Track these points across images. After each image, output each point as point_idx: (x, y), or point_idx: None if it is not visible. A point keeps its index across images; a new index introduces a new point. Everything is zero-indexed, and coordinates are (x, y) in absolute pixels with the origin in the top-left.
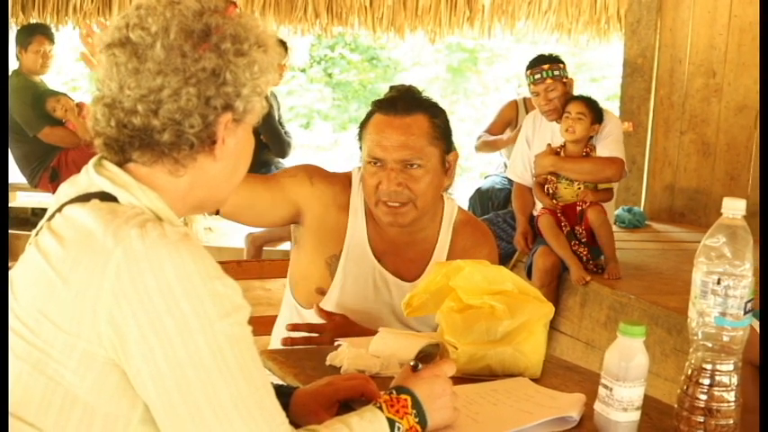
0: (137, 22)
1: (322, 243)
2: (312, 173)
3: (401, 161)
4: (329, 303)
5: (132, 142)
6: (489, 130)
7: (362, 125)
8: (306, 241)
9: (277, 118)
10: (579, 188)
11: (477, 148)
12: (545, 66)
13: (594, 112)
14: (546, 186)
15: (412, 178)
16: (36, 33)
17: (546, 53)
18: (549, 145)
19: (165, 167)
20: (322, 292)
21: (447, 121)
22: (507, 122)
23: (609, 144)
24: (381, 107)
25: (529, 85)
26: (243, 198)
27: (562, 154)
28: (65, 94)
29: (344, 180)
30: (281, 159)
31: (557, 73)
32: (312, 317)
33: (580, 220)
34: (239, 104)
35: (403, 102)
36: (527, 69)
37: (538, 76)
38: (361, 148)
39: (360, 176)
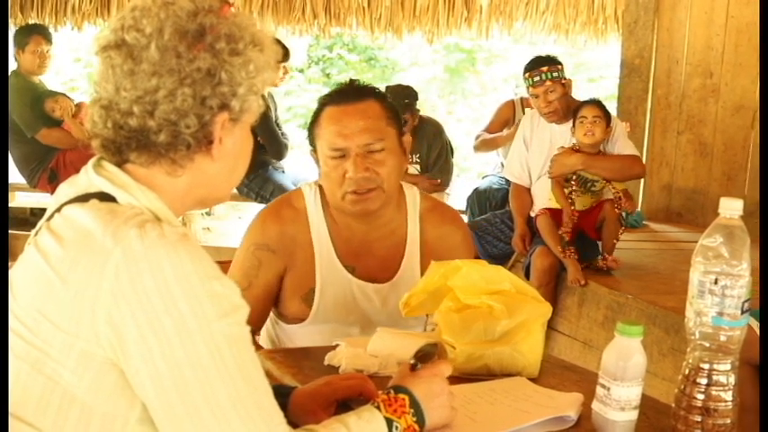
0: (132, 23)
1: (297, 285)
2: (264, 241)
3: (364, 145)
4: (310, 327)
5: (129, 143)
6: (487, 131)
7: (312, 124)
8: (281, 287)
9: (274, 119)
10: (618, 194)
11: (476, 148)
12: (543, 68)
13: (606, 114)
14: (568, 191)
15: (377, 162)
16: (33, 34)
17: (543, 55)
18: (563, 147)
19: (163, 168)
20: (300, 320)
21: (394, 106)
22: (505, 122)
23: (625, 144)
24: (331, 100)
25: (528, 87)
26: (262, 314)
27: None
28: (63, 95)
29: (295, 207)
30: (277, 161)
31: (555, 74)
32: (294, 331)
33: (600, 222)
34: (235, 104)
35: (352, 91)
36: (525, 72)
37: (537, 78)
38: (314, 149)
39: (312, 189)
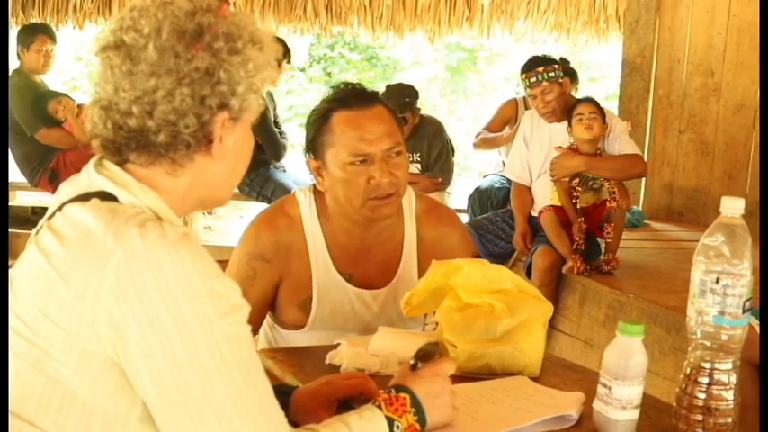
0: (130, 24)
1: (293, 293)
2: (259, 250)
3: (388, 150)
4: (308, 334)
5: (129, 144)
6: (488, 128)
7: (318, 131)
8: (277, 294)
9: (273, 119)
10: (612, 189)
11: (476, 146)
12: (540, 69)
13: (602, 111)
14: (573, 193)
15: (397, 166)
16: (38, 33)
17: (540, 54)
18: (561, 147)
19: (163, 168)
20: (297, 327)
21: (393, 109)
22: (506, 121)
23: (626, 143)
24: (340, 105)
25: (525, 88)
26: (257, 323)
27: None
28: (65, 95)
29: (290, 215)
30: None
31: (552, 75)
32: (292, 337)
33: (607, 219)
34: (235, 103)
35: (362, 95)
36: (522, 72)
37: (533, 79)
38: (315, 157)
39: (307, 195)
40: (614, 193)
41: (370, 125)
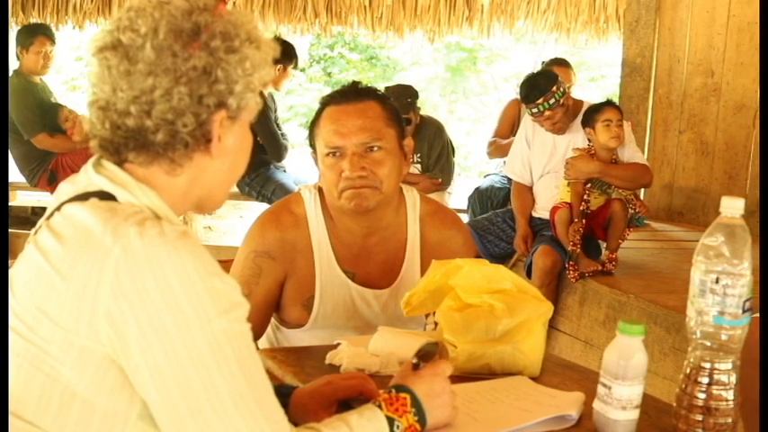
0: (127, 24)
1: (298, 291)
2: (264, 248)
3: (361, 144)
4: (309, 332)
5: (127, 143)
6: (498, 134)
7: (312, 124)
8: (282, 293)
9: (274, 120)
10: (631, 197)
11: (490, 154)
12: (539, 100)
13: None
14: (584, 196)
15: (374, 162)
16: (38, 34)
17: (538, 77)
18: (578, 149)
19: (162, 168)
20: (301, 325)
21: (396, 108)
22: (513, 121)
23: (634, 151)
24: (332, 100)
25: (529, 114)
26: (263, 321)
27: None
28: (67, 107)
29: (295, 213)
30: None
31: (552, 101)
32: (293, 335)
33: (608, 221)
34: (233, 102)
35: (353, 91)
36: (522, 101)
37: (535, 110)
38: (314, 149)
39: (312, 193)
40: (633, 201)
41: (347, 119)
